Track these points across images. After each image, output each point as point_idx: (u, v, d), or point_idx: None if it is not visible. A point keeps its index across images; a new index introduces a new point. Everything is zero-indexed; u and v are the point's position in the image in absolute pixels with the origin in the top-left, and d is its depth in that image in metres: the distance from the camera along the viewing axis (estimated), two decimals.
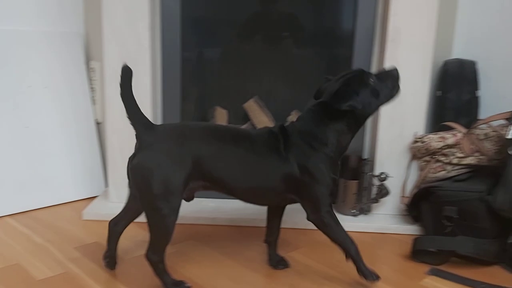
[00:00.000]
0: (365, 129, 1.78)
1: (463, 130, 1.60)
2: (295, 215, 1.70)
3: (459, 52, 1.84)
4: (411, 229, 1.64)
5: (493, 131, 1.55)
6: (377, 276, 1.24)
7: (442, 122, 1.72)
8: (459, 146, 1.57)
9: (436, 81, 1.79)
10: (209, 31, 1.99)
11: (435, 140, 1.60)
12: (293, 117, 1.97)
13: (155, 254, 1.17)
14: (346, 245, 1.23)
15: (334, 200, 1.62)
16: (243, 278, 1.32)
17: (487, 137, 1.55)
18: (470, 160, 1.56)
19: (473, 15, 1.81)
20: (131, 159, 1.16)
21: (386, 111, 1.68)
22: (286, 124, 1.28)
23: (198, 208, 1.76)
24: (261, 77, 2.10)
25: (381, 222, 1.69)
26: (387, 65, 1.65)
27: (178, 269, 1.35)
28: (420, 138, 1.64)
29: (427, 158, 1.63)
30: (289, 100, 2.08)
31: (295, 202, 1.26)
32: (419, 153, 1.65)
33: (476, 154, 1.56)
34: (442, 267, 1.39)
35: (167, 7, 1.75)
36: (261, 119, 1.97)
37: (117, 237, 1.31)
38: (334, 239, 1.24)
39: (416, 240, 1.45)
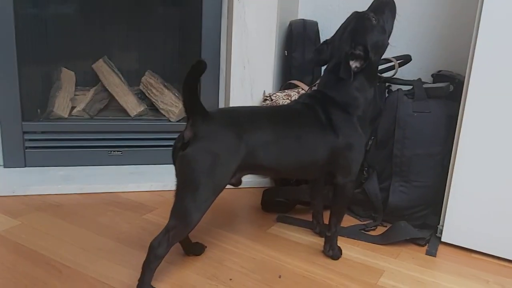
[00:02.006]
0: (218, 89, 1.81)
1: (306, 87, 1.71)
2: (152, 177, 1.70)
3: (303, 12, 1.94)
4: (264, 182, 1.74)
5: None
6: (341, 254, 1.29)
7: (290, 79, 1.82)
8: None
9: (284, 41, 1.88)
10: None
11: (282, 98, 1.69)
12: (147, 77, 1.92)
13: (164, 246, 1.04)
14: (341, 218, 1.27)
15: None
16: (94, 245, 1.28)
17: None
18: None
19: None
20: (180, 147, 1.05)
21: (237, 71, 1.73)
22: (312, 93, 1.24)
23: (46, 177, 1.65)
24: (110, 36, 2.00)
25: None
26: (236, 25, 1.69)
27: (23, 243, 1.26)
28: (269, 96, 1.72)
29: None
30: (141, 59, 2.02)
31: (328, 173, 1.24)
32: None
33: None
34: (289, 214, 1.51)
35: None
36: (112, 80, 1.89)
37: None
38: (338, 207, 1.26)
39: (265, 192, 1.55)
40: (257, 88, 1.75)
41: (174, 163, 1.08)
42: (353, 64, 1.15)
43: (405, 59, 1.56)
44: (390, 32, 1.22)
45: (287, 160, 1.15)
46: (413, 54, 1.58)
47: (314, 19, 1.88)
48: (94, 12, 1.95)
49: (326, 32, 1.90)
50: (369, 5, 1.25)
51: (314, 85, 1.69)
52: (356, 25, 1.19)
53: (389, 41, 1.23)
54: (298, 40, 1.84)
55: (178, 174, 1.07)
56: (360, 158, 1.22)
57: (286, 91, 1.72)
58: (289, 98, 1.68)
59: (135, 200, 1.58)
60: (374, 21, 1.18)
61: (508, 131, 1.23)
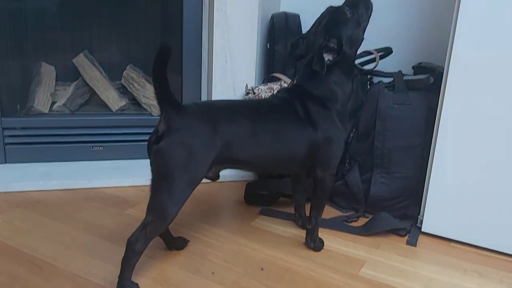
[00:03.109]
0: (201, 83, 1.80)
1: (288, 80, 1.71)
2: (135, 172, 1.69)
3: (285, 5, 1.94)
4: (247, 176, 1.74)
5: None
6: (322, 246, 1.30)
7: (272, 72, 1.82)
8: None
9: (266, 34, 1.87)
10: None
11: (264, 91, 1.69)
12: (129, 71, 1.91)
13: (142, 242, 1.03)
14: (321, 210, 1.27)
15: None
16: (76, 241, 1.27)
17: None
18: None
19: None
20: (154, 141, 1.03)
21: (219, 64, 1.72)
22: (290, 87, 1.23)
23: (26, 174, 1.63)
24: (91, 30, 1.97)
25: None
26: (217, 17, 1.68)
27: (3, 240, 1.25)
28: (251, 89, 1.72)
29: None
30: (123, 53, 2.00)
31: (309, 167, 1.23)
32: None
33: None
34: (272, 207, 1.52)
35: None
36: (93, 74, 1.87)
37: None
38: (318, 200, 1.26)
39: (248, 185, 1.56)
40: (239, 81, 1.75)
41: (149, 157, 1.07)
42: (326, 56, 1.15)
43: (386, 51, 1.57)
44: (365, 27, 1.23)
45: (264, 155, 1.15)
46: (394, 46, 1.59)
47: (296, 12, 1.88)
48: (74, 6, 1.93)
49: (308, 25, 1.89)
50: None
51: (296, 78, 1.70)
52: (330, 18, 1.20)
53: (365, 35, 1.23)
54: (280, 33, 1.84)
55: (153, 168, 1.06)
56: (339, 152, 1.23)
57: (268, 84, 1.72)
58: (272, 91, 1.68)
59: (117, 195, 1.57)
60: (349, 15, 1.18)
61: (485, 122, 1.25)
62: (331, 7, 1.22)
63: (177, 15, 1.73)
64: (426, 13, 1.67)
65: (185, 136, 1.04)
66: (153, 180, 1.05)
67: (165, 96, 1.03)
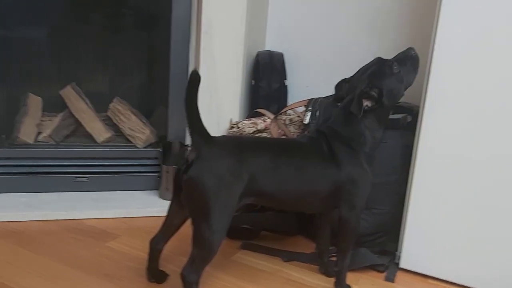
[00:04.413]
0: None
1: (272, 116, 1.75)
2: (117, 204, 1.70)
3: (270, 44, 2.01)
4: None
5: (297, 116, 1.74)
6: None
7: (256, 108, 1.86)
8: (268, 131, 1.72)
9: (251, 71, 1.93)
10: (17, 7, 1.82)
11: (248, 126, 1.73)
12: (115, 104, 1.93)
13: (194, 273, 1.08)
14: (348, 253, 1.26)
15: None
16: (53, 273, 1.26)
17: (292, 122, 1.73)
18: None
19: (282, 10, 1.99)
20: (184, 170, 1.08)
21: (204, 99, 1.75)
22: (320, 127, 1.27)
23: (8, 204, 1.63)
24: (79, 62, 2.01)
25: None
26: (203, 55, 1.73)
27: None
28: (235, 124, 1.75)
29: None
30: (110, 86, 2.04)
31: (334, 207, 1.25)
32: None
33: (283, 137, 1.73)
34: (254, 241, 1.53)
35: None
36: (80, 106, 1.89)
37: (158, 255, 1.25)
38: (344, 243, 1.25)
39: None
40: (224, 116, 1.79)
41: (175, 187, 1.13)
42: (365, 102, 1.20)
43: None
44: (408, 85, 1.26)
45: (287, 189, 1.18)
46: None
47: (280, 51, 1.95)
48: (62, 37, 1.97)
49: (292, 63, 1.98)
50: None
51: (280, 114, 1.74)
52: (376, 68, 1.24)
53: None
54: (264, 70, 1.90)
55: (186, 200, 1.11)
56: (364, 194, 1.23)
57: (252, 119, 1.76)
58: (255, 126, 1.72)
59: (99, 227, 1.57)
60: (395, 70, 1.23)
61: (461, 159, 1.29)
62: (380, 58, 1.27)
63: (164, 49, 1.78)
64: None
65: (215, 165, 1.09)
66: (190, 212, 1.10)
67: (196, 125, 1.09)
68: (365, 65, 1.28)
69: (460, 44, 1.27)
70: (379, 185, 1.43)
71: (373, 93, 1.20)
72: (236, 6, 1.73)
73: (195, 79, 1.06)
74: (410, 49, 1.27)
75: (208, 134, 1.11)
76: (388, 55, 1.29)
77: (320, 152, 1.21)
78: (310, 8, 1.94)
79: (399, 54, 1.29)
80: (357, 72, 1.28)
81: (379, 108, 1.21)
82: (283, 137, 1.70)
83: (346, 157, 1.20)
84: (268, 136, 1.71)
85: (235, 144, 1.16)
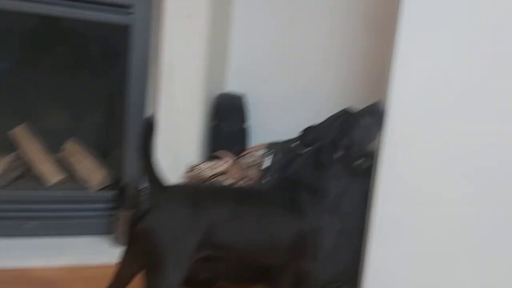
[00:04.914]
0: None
1: (232, 158, 1.73)
2: (68, 251, 1.60)
3: (232, 85, 2.01)
4: None
5: (257, 159, 1.72)
6: None
7: (216, 150, 1.84)
8: (229, 174, 1.70)
9: (211, 112, 1.91)
10: None
11: (207, 169, 1.70)
12: (69, 145, 1.87)
13: None
14: None
15: None
16: None
17: (252, 165, 1.72)
18: None
19: (244, 52, 2.00)
20: (136, 220, 1.02)
21: (162, 141, 1.71)
22: (285, 174, 1.25)
23: None
24: (32, 100, 1.94)
25: None
26: (163, 97, 1.70)
27: None
28: (194, 167, 1.72)
29: None
30: (64, 126, 1.97)
31: (297, 258, 1.20)
32: (194, 181, 1.73)
33: (243, 180, 1.71)
34: None
35: None
36: (31, 147, 1.81)
37: None
38: None
39: None
40: (182, 158, 1.75)
41: (129, 238, 1.08)
42: (334, 152, 1.20)
43: None
44: (373, 139, 1.28)
45: (247, 241, 1.14)
46: None
47: (242, 92, 1.95)
48: (15, 75, 1.90)
49: (253, 104, 1.98)
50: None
51: (240, 156, 1.72)
52: (345, 119, 1.26)
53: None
54: (225, 112, 1.89)
55: (139, 251, 1.05)
56: (327, 245, 1.22)
57: (211, 162, 1.74)
58: (215, 170, 1.69)
59: (47, 277, 1.48)
60: (363, 122, 1.25)
61: (420, 207, 1.30)
62: (348, 109, 1.29)
63: (122, 91, 1.75)
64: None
65: (169, 216, 1.04)
66: (145, 263, 1.04)
67: (150, 173, 1.06)
68: (333, 115, 1.31)
69: (414, 94, 1.30)
70: (339, 232, 1.42)
71: (342, 143, 1.21)
72: (196, 47, 1.72)
73: (150, 126, 1.04)
74: (376, 103, 1.29)
75: (163, 182, 1.08)
76: (353, 100, 1.32)
77: (283, 201, 1.18)
78: (272, 50, 1.97)
79: (366, 107, 1.31)
80: (325, 121, 1.31)
81: (345, 157, 1.22)
82: (244, 179, 1.68)
83: (310, 206, 1.18)
84: (228, 179, 1.69)
85: (192, 192, 1.13)
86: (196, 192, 1.14)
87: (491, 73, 1.24)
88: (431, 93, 1.28)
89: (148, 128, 1.05)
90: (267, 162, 1.58)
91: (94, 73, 1.98)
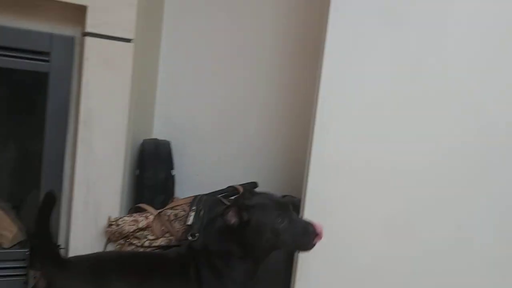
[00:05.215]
0: (60, 214, 1.67)
1: (155, 212, 1.66)
2: None
3: (157, 132, 1.94)
4: None
5: (183, 210, 1.66)
6: None
7: (141, 200, 1.75)
8: (150, 229, 1.62)
9: (135, 160, 1.84)
10: None
11: (128, 223, 1.61)
12: None
13: None
14: None
15: None
16: None
17: (177, 217, 1.64)
18: (160, 242, 1.62)
19: (170, 99, 1.95)
20: None
21: (80, 195, 1.62)
22: (194, 245, 1.23)
23: None
24: None
25: None
26: (81, 148, 1.61)
27: None
28: (114, 221, 1.63)
29: (121, 241, 1.63)
30: None
31: None
32: (114, 236, 1.63)
33: (167, 235, 1.63)
34: None
35: None
36: None
37: None
38: None
39: None
40: (102, 212, 1.64)
41: None
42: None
43: (251, 186, 1.61)
44: (282, 244, 1.18)
45: None
46: (259, 181, 1.64)
47: (168, 139, 1.89)
48: None
49: (179, 152, 1.93)
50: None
51: (165, 209, 1.65)
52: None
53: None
54: (150, 160, 1.82)
55: None
56: None
57: (133, 215, 1.65)
58: (136, 224, 1.61)
59: None
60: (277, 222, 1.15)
61: (343, 269, 1.29)
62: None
63: (38, 143, 1.63)
64: (284, 156, 1.78)
65: None
66: None
67: (46, 249, 0.99)
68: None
69: (334, 141, 1.32)
70: None
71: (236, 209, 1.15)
72: (118, 96, 1.65)
73: (50, 200, 0.97)
74: (312, 224, 1.16)
75: (61, 258, 1.02)
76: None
77: (184, 271, 1.14)
78: (198, 97, 1.93)
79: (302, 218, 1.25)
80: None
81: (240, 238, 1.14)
82: (167, 233, 1.61)
83: (206, 278, 1.14)
84: (149, 234, 1.61)
85: (93, 265, 1.07)
86: (97, 264, 1.08)
87: (411, 105, 1.30)
88: (355, 130, 1.33)
89: (48, 202, 0.97)
90: (190, 219, 1.52)
91: (8, 122, 1.86)
